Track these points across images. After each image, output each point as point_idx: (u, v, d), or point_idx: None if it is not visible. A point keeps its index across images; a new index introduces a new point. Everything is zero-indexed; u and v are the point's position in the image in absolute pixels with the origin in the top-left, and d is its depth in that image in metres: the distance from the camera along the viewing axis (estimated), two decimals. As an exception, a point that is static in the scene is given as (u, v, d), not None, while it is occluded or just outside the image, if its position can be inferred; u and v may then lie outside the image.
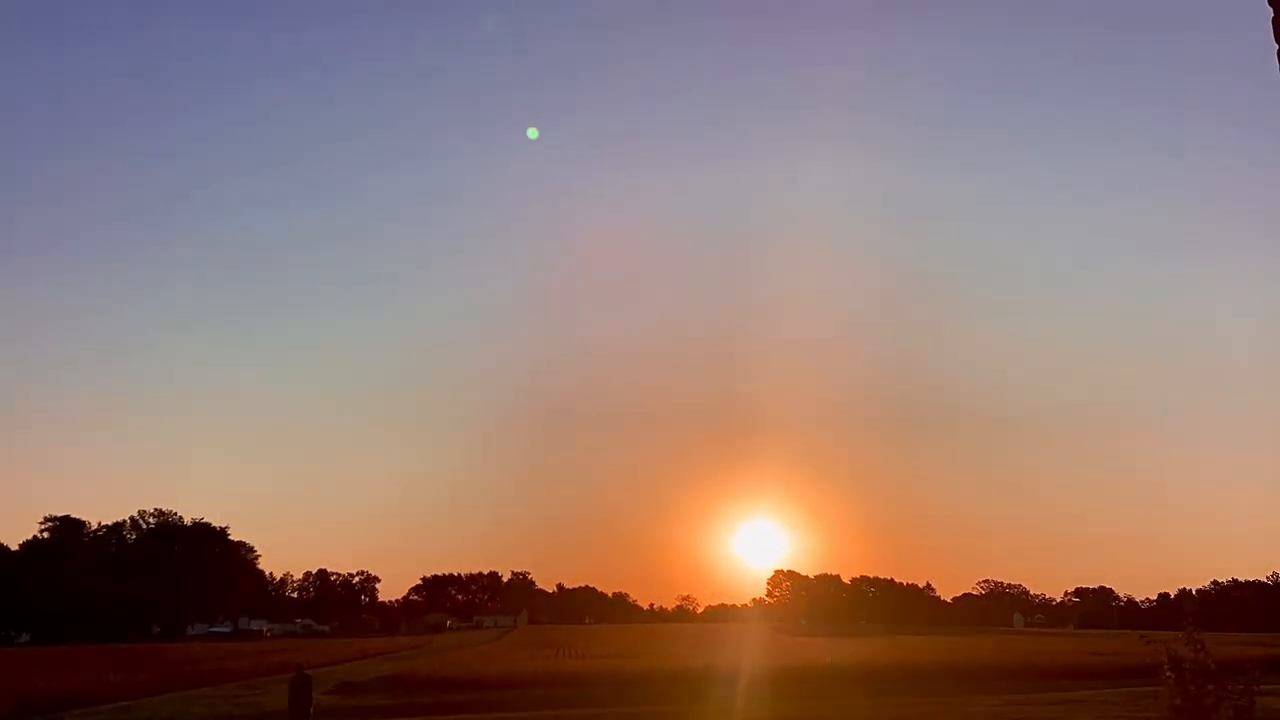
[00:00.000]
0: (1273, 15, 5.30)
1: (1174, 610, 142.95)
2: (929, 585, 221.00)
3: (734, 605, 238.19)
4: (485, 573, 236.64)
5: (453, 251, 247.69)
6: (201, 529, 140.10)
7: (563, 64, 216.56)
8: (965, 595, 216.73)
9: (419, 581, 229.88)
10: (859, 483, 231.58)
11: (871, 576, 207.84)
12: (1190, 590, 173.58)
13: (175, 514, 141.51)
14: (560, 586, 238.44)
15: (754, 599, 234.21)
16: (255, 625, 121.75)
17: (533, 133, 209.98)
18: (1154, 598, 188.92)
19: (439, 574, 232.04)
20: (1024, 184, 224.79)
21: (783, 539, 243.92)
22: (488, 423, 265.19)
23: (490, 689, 34.28)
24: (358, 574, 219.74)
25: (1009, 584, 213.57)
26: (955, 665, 40.31)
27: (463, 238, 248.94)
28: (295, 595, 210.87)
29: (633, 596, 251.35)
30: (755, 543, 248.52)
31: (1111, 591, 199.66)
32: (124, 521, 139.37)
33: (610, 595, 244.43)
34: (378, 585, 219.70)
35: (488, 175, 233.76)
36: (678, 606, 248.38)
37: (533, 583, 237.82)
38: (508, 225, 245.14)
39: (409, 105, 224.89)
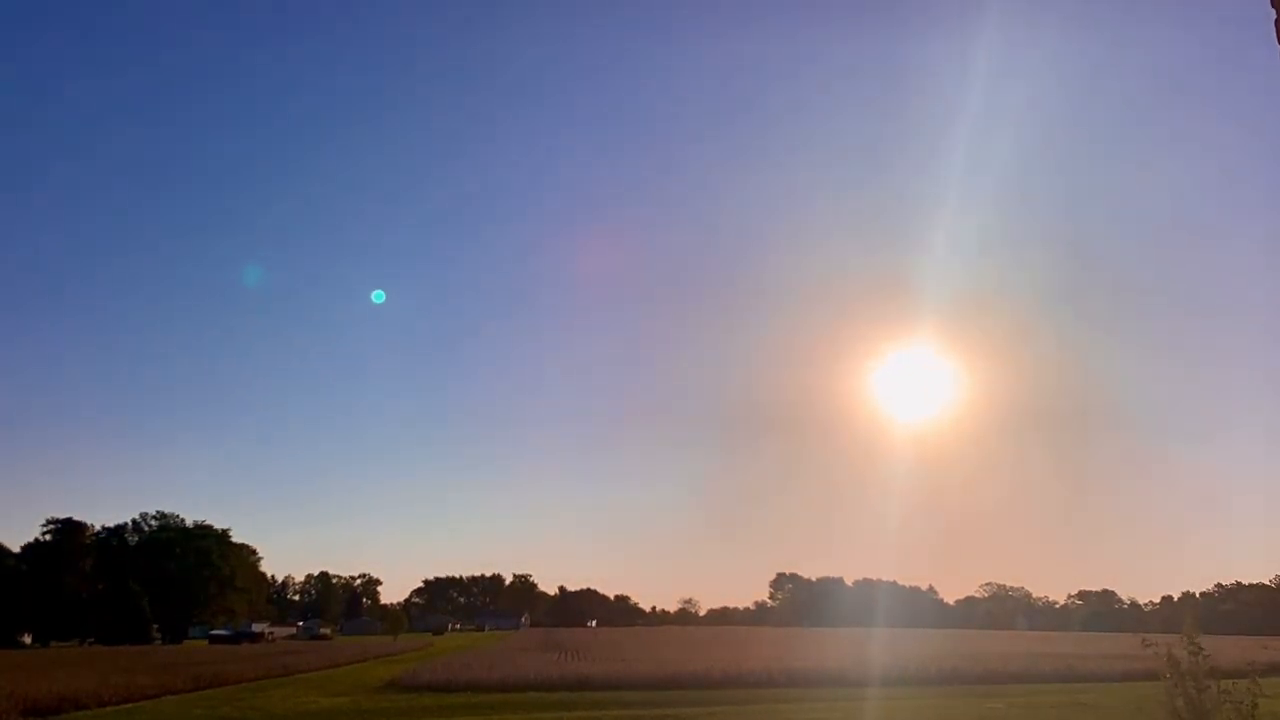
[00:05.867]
0: (1275, 17, 5.29)
1: (1177, 613, 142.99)
2: (931, 588, 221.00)
3: (736, 608, 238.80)
4: (487, 575, 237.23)
5: (448, 256, 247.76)
6: (203, 531, 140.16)
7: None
8: (968, 598, 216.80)
9: (420, 584, 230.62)
10: (860, 484, 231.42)
11: (874, 579, 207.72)
12: (1193, 593, 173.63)
13: (177, 516, 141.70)
14: (562, 589, 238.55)
15: (756, 601, 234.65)
16: (257, 628, 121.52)
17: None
18: (1157, 600, 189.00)
19: (440, 576, 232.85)
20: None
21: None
22: (488, 424, 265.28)
23: (496, 691, 34.25)
24: (359, 576, 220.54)
25: (1012, 586, 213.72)
26: (957, 666, 40.20)
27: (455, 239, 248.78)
28: (297, 598, 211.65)
29: (634, 599, 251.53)
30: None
31: (1115, 594, 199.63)
32: (125, 524, 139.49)
33: (612, 598, 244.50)
34: (379, 588, 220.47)
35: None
36: (680, 609, 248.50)
37: (534, 585, 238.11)
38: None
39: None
